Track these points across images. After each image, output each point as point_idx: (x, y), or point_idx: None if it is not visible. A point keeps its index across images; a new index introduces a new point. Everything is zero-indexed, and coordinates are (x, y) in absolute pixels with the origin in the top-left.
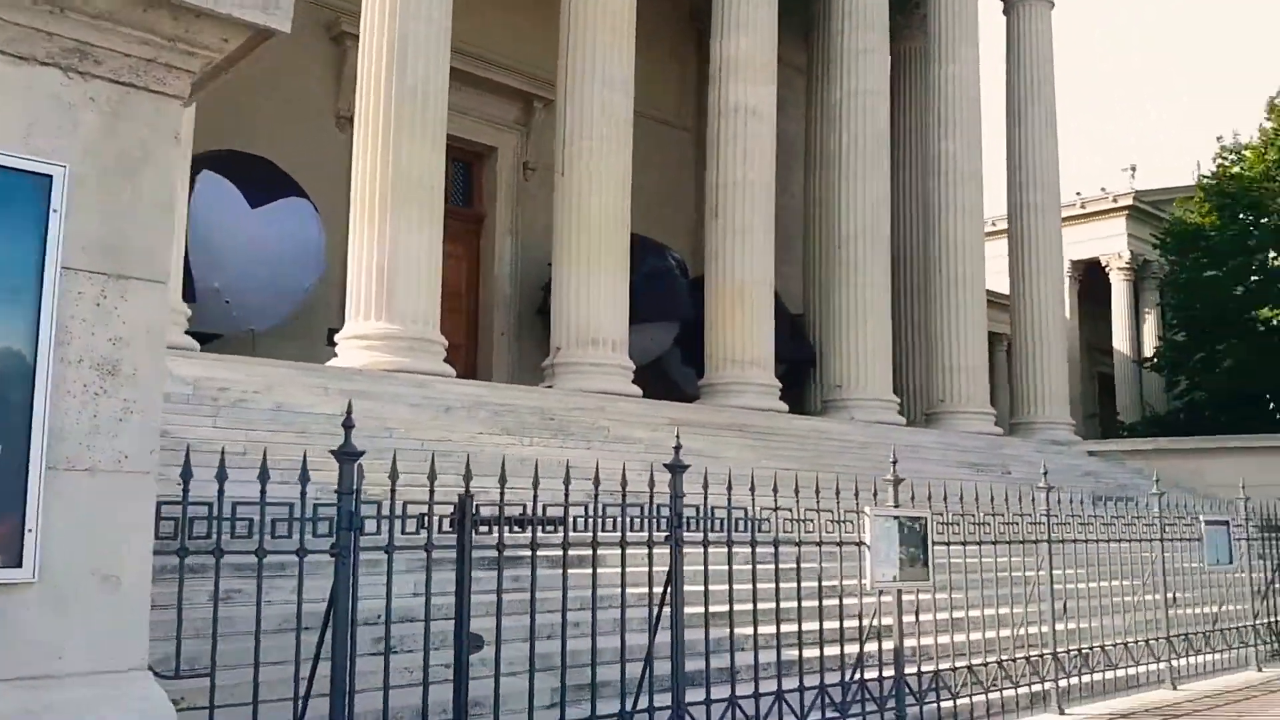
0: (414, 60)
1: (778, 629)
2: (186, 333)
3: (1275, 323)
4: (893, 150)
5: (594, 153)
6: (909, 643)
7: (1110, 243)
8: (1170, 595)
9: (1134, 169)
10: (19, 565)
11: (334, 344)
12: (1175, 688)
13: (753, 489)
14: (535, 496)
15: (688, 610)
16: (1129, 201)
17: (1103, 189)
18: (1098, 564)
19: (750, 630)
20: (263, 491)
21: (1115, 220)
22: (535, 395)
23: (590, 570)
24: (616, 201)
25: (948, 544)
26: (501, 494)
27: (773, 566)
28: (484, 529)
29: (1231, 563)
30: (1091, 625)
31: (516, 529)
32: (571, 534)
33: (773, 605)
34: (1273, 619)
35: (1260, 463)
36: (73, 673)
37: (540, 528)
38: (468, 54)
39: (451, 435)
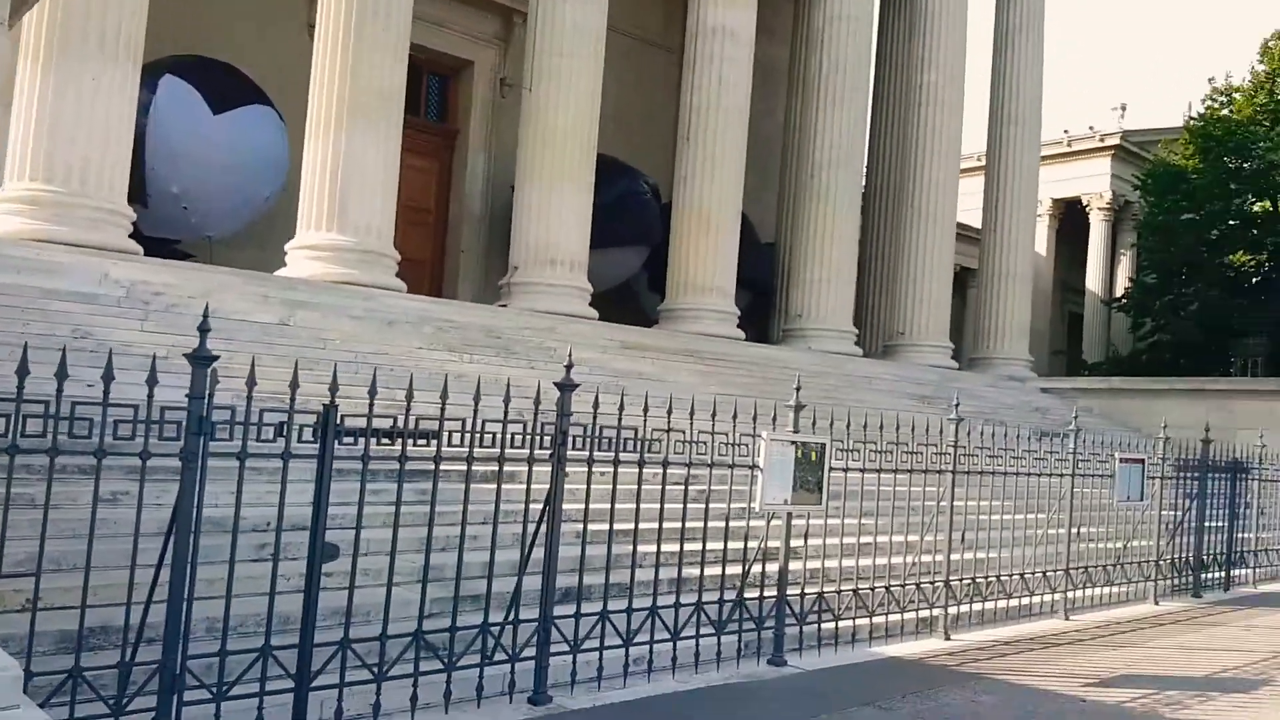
0: None
1: (658, 548)
2: (136, 236)
3: (1246, 268)
4: (875, 82)
5: (563, 69)
6: (802, 565)
7: (1093, 182)
8: (1076, 529)
9: (1124, 108)
10: None
11: None
12: (1068, 618)
13: (664, 409)
14: (443, 410)
15: (590, 527)
16: (1116, 141)
17: (1091, 128)
18: (1012, 497)
19: (642, 548)
20: (105, 392)
21: (1100, 160)
22: (486, 313)
23: (478, 486)
24: (583, 119)
25: (845, 470)
26: (408, 409)
27: (676, 487)
28: (349, 439)
29: (1143, 500)
30: (992, 556)
31: (386, 441)
32: (455, 449)
33: (669, 524)
34: (1177, 555)
35: (1209, 405)
36: None
37: (414, 441)
38: None
39: (389, 350)
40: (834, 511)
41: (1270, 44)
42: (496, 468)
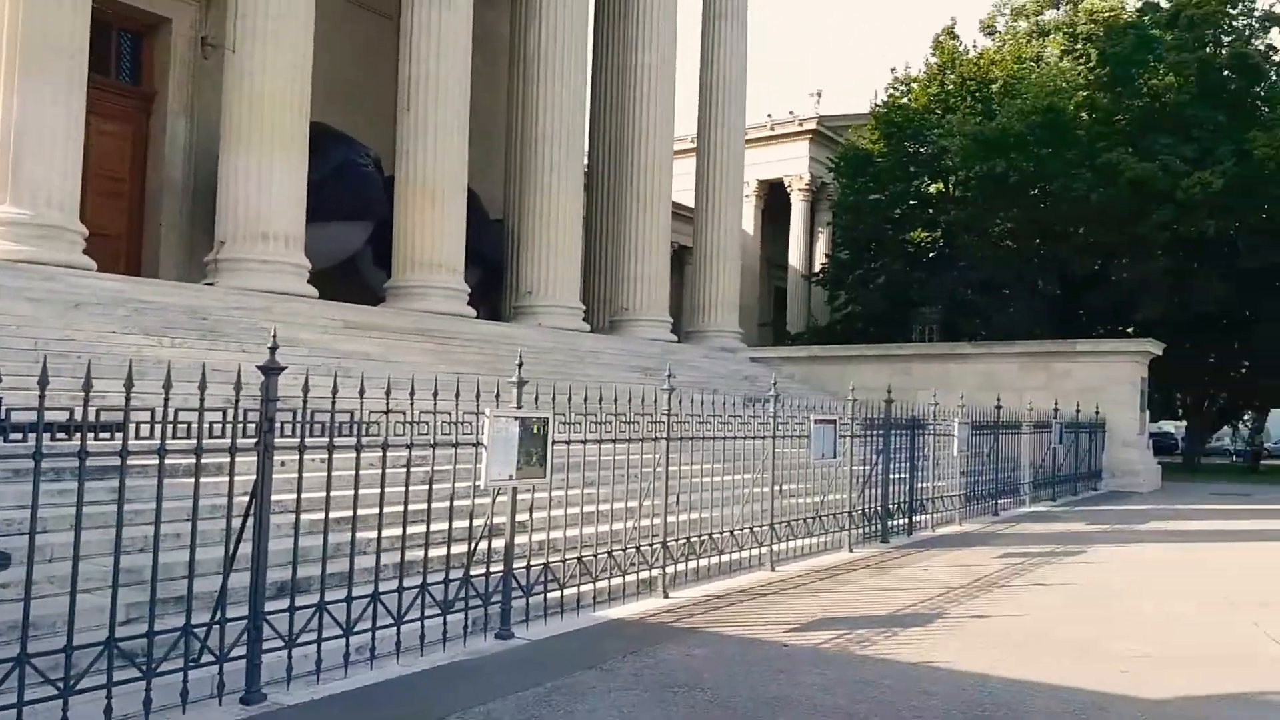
0: None
1: (379, 533)
2: None
3: (923, 244)
4: (594, 62)
5: (270, 30)
6: (527, 539)
7: (794, 164)
8: (779, 487)
9: (820, 95)
10: None
11: None
12: (774, 569)
13: (376, 392)
14: (128, 397)
15: (304, 517)
16: (813, 126)
17: (791, 112)
18: (722, 459)
19: (364, 535)
20: None
21: (799, 143)
22: (190, 293)
23: (180, 480)
24: (295, 83)
25: (568, 443)
26: (86, 398)
27: (397, 470)
28: (16, 436)
29: (836, 457)
30: (705, 516)
31: (62, 436)
32: (144, 441)
33: (391, 509)
34: (867, 506)
35: (893, 369)
36: None
37: (97, 434)
38: None
39: (77, 335)
40: (559, 484)
41: (941, 39)
42: (194, 460)
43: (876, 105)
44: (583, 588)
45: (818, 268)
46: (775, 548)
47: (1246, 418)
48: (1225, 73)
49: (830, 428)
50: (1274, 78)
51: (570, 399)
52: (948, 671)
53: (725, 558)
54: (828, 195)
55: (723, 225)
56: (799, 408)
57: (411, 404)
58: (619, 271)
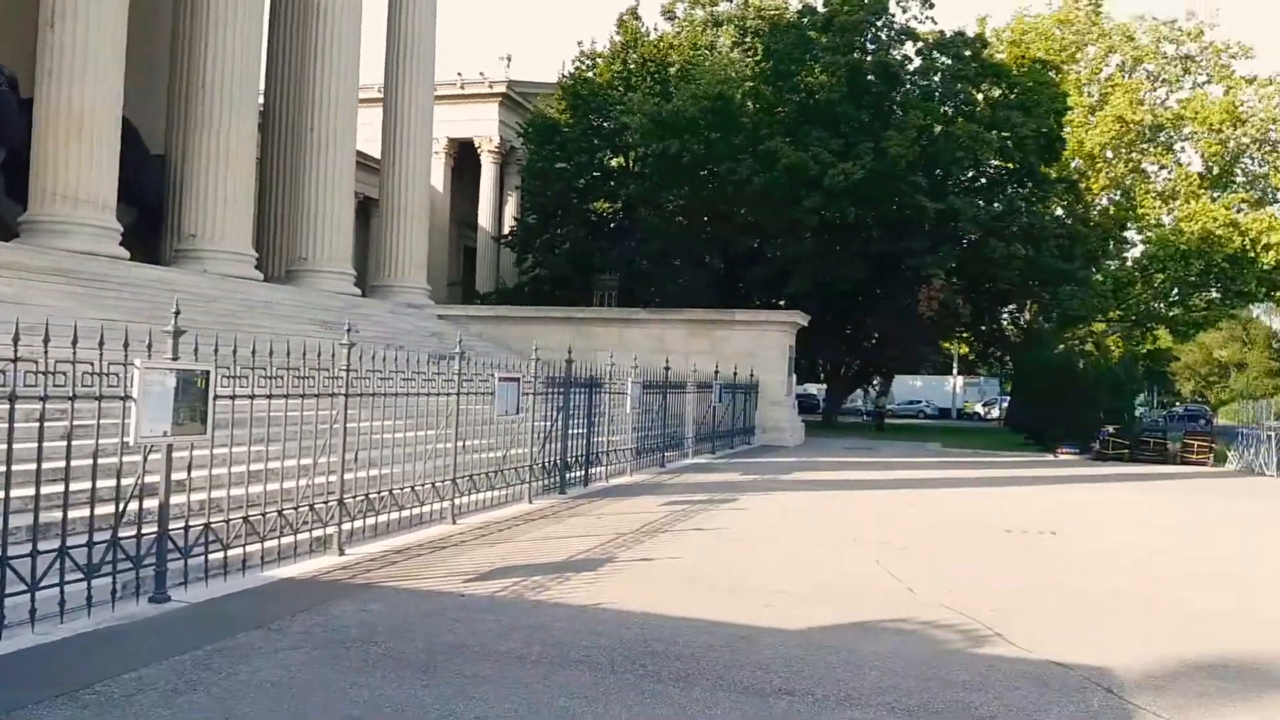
0: None
1: (6, 493)
2: None
3: (605, 214)
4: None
5: None
6: (186, 499)
7: (484, 125)
8: (462, 442)
9: (510, 59)
10: None
11: None
12: (455, 522)
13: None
14: None
15: None
16: (503, 90)
17: (481, 74)
18: (405, 416)
19: None
20: None
21: (489, 105)
22: None
23: None
24: None
25: (233, 398)
26: None
27: (30, 425)
28: None
29: (519, 413)
30: (386, 472)
31: None
32: None
33: (23, 467)
34: (548, 460)
35: (575, 331)
36: None
37: None
38: None
39: None
40: (226, 441)
41: (625, 19)
42: None
43: (564, 76)
44: (249, 548)
45: (507, 230)
46: (457, 501)
47: (876, 382)
48: (870, 77)
49: (514, 385)
50: (908, 85)
51: (236, 351)
52: (615, 612)
53: (406, 513)
54: (517, 160)
55: (411, 179)
56: (485, 365)
57: (45, 352)
58: (298, 218)
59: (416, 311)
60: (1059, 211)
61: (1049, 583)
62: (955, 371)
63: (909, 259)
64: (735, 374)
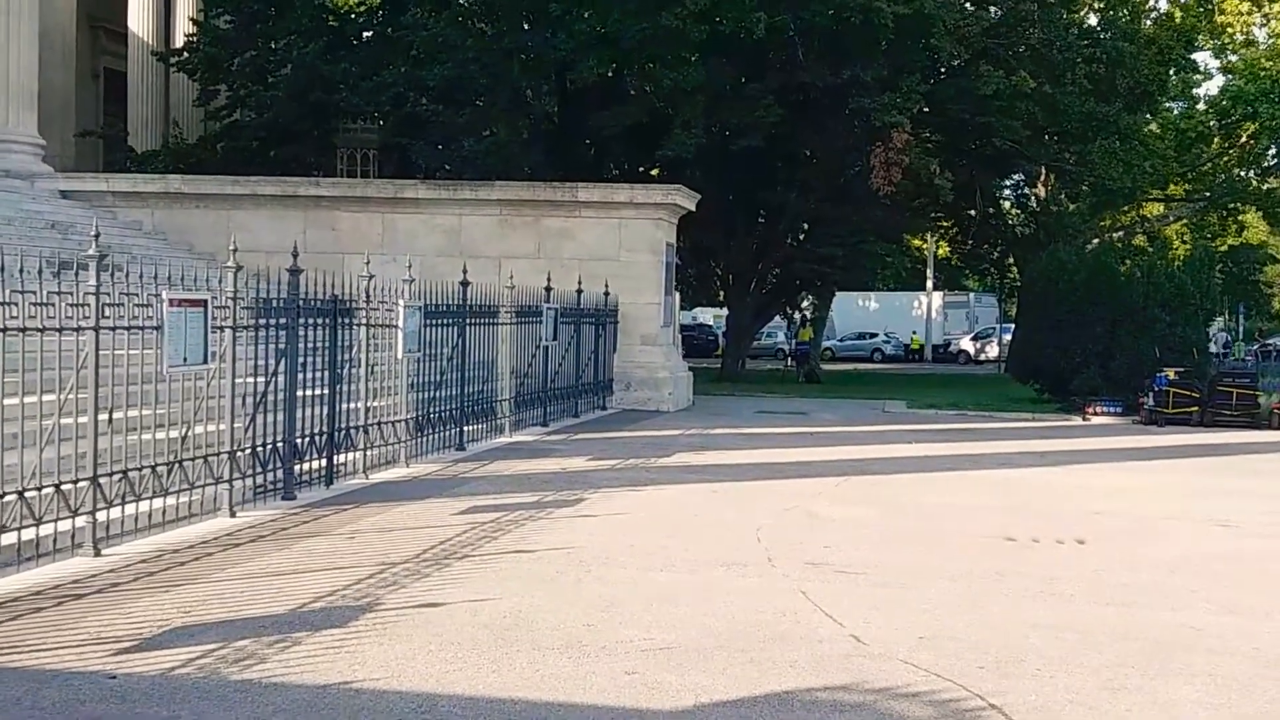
0: None
1: None
2: None
3: (354, 14)
4: None
5: None
6: None
7: None
8: (108, 415)
9: None
10: None
11: None
12: (99, 553)
13: None
14: None
15: None
16: None
17: None
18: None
19: None
20: None
21: None
22: None
23: None
24: None
25: None
26: None
27: None
28: None
29: (208, 363)
30: None
31: None
32: None
33: None
34: (261, 443)
35: (308, 218)
36: None
37: None
38: None
39: None
40: None
41: None
42: None
43: None
44: None
45: (180, 41)
46: (102, 517)
47: (805, 304)
48: None
49: (199, 314)
50: None
51: None
52: (377, 693)
53: (9, 538)
54: None
55: None
56: (148, 279)
57: None
58: None
59: (24, 185)
60: (1091, 21)
61: (1075, 621)
62: (930, 285)
63: (855, 97)
64: (580, 293)
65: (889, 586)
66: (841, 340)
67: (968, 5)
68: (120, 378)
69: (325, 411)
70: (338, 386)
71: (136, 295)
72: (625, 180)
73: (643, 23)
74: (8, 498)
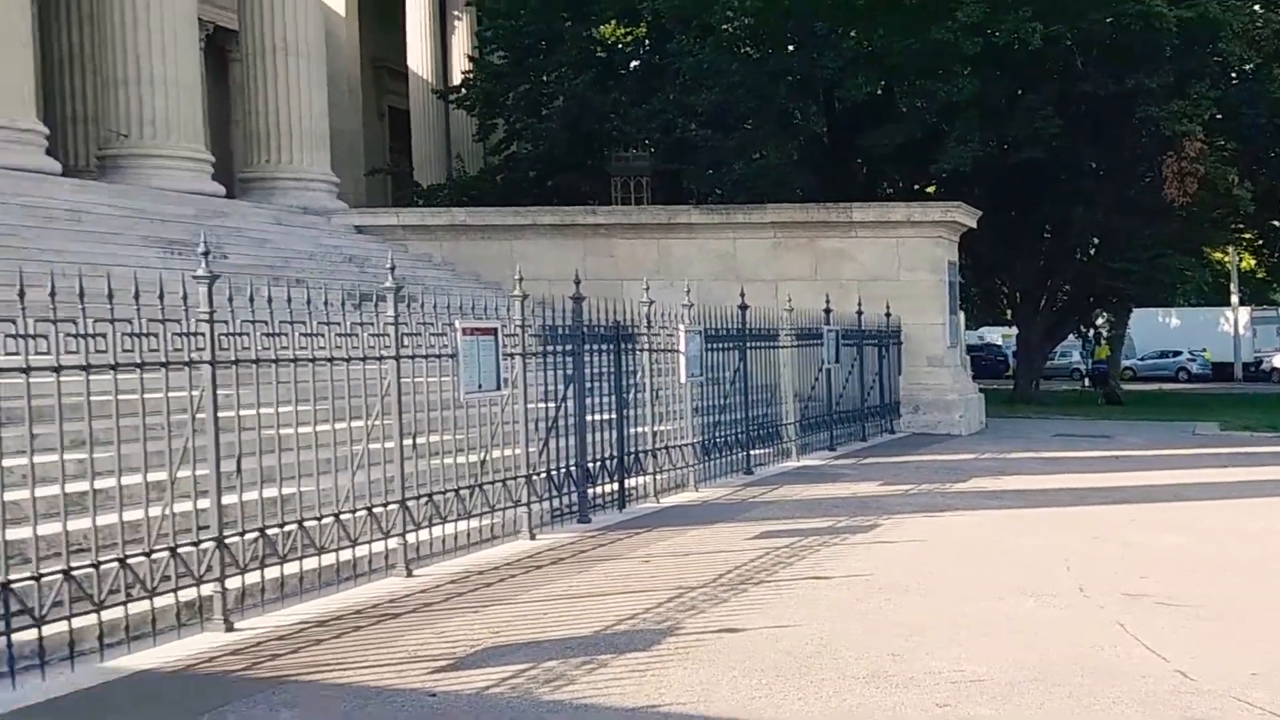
0: None
1: None
2: None
3: (621, 44)
4: None
5: None
6: None
7: None
8: (412, 440)
9: None
10: None
11: None
12: (411, 573)
13: None
14: None
15: None
16: None
17: None
18: (310, 396)
19: None
20: None
21: None
22: None
23: None
24: None
25: (25, 370)
26: None
27: None
28: None
29: (500, 389)
30: (288, 493)
31: None
32: None
33: None
34: (555, 467)
35: (586, 246)
36: None
37: None
38: None
39: None
40: (21, 447)
41: None
42: None
43: None
44: (79, 622)
45: (458, 78)
46: (412, 539)
47: (1100, 321)
48: None
49: (490, 342)
50: None
51: (24, 294)
52: (684, 718)
53: (329, 559)
54: None
55: None
56: (441, 309)
57: None
58: (104, 72)
59: (320, 221)
60: None
61: None
62: (1235, 300)
63: (1141, 105)
64: (860, 314)
65: (1213, 619)
66: (1142, 359)
67: (1257, 8)
68: (419, 404)
69: (614, 436)
70: (624, 411)
71: (432, 325)
72: (900, 199)
73: (910, 38)
74: (325, 520)
